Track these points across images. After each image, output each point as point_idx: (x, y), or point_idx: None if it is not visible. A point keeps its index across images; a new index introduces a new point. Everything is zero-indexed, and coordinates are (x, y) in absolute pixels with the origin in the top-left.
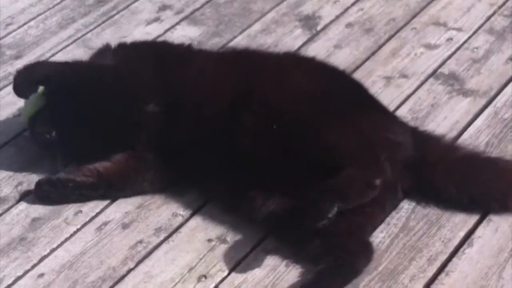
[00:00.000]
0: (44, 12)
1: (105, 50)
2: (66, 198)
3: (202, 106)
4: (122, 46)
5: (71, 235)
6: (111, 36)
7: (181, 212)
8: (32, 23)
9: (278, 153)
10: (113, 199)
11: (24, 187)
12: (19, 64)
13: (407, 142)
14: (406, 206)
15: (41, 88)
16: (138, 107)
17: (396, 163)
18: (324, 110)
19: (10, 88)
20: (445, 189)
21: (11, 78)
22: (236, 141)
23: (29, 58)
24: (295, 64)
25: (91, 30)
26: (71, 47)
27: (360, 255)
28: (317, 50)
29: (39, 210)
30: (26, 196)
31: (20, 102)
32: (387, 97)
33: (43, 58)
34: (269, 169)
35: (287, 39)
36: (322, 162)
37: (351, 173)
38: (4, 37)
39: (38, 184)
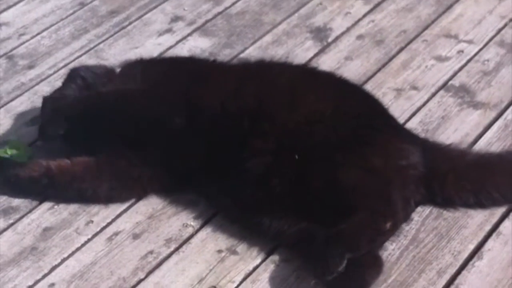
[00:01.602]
0: (57, 23)
1: (136, 65)
2: (11, 187)
3: (215, 121)
4: (151, 62)
5: (82, 245)
6: (123, 47)
7: (192, 223)
8: (45, 33)
9: (286, 178)
10: (125, 209)
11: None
12: (32, 74)
13: (418, 161)
14: (416, 218)
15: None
16: (160, 125)
17: (408, 185)
18: (336, 140)
19: (23, 98)
20: (458, 197)
21: (24, 88)
22: (245, 161)
23: (42, 68)
24: (308, 83)
25: (103, 41)
26: (84, 58)
27: (369, 267)
28: (328, 61)
29: (50, 219)
30: (37, 206)
31: (33, 112)
32: (398, 109)
33: (55, 69)
34: (276, 192)
35: (298, 51)
36: (332, 198)
37: (362, 220)
38: (17, 47)
39: None
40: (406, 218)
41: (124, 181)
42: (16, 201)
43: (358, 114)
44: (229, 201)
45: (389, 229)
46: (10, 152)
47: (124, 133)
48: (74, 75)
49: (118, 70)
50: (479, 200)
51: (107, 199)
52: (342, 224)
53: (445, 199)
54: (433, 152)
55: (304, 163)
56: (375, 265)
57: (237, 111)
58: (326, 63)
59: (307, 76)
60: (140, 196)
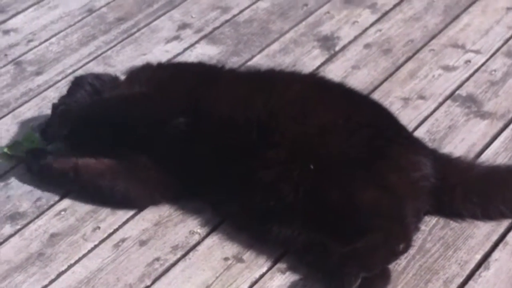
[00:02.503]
0: (65, 29)
1: (143, 70)
2: (41, 176)
3: (223, 128)
4: (159, 68)
5: (89, 252)
6: (131, 53)
7: (198, 230)
8: (53, 39)
9: (299, 189)
10: (132, 216)
11: (43, 202)
12: (40, 80)
13: (429, 173)
14: (422, 227)
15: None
16: (164, 126)
17: (419, 197)
18: (349, 151)
19: (30, 104)
20: (466, 210)
21: (31, 94)
22: (256, 170)
23: (50, 74)
24: (319, 93)
25: (111, 48)
26: (92, 64)
27: (377, 278)
28: (335, 70)
29: (57, 225)
30: (44, 212)
31: (41, 118)
32: (405, 118)
33: (63, 75)
34: (287, 200)
35: (306, 59)
36: (346, 213)
37: (376, 241)
38: (25, 53)
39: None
40: (416, 229)
41: (141, 185)
42: (23, 206)
43: (370, 124)
44: (237, 209)
45: (402, 250)
46: (26, 144)
47: (132, 137)
48: (82, 82)
49: (124, 76)
50: (486, 212)
51: (122, 201)
52: (356, 243)
53: (452, 210)
54: (442, 164)
55: (318, 174)
56: (383, 276)
57: (246, 120)
58: (333, 72)
59: (317, 86)
60: (154, 202)
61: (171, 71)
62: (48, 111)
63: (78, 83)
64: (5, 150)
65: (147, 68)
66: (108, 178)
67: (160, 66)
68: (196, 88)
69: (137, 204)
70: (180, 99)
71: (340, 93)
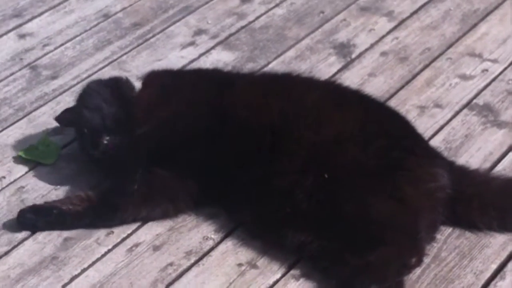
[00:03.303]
0: (80, 34)
1: (162, 77)
2: (51, 226)
3: (239, 136)
4: (178, 75)
5: (102, 256)
6: (146, 59)
7: (212, 236)
8: (68, 44)
9: (314, 197)
10: (144, 222)
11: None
12: (55, 84)
13: (446, 184)
14: (438, 236)
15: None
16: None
17: (435, 209)
18: (366, 161)
19: (45, 108)
20: (482, 223)
21: (46, 98)
22: (270, 177)
23: (65, 79)
24: (335, 100)
25: (126, 53)
26: (107, 69)
27: (391, 286)
28: (351, 78)
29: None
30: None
31: (55, 122)
32: (421, 126)
33: (78, 79)
34: (302, 208)
35: (321, 66)
36: (360, 224)
37: (389, 254)
38: (41, 57)
39: (21, 212)
40: (432, 240)
41: (162, 202)
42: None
43: (387, 134)
44: (251, 215)
45: (414, 264)
46: (40, 147)
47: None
48: (98, 87)
49: (140, 81)
50: (503, 225)
51: (145, 221)
52: (369, 256)
53: (469, 222)
54: (459, 175)
55: (334, 183)
56: (397, 284)
57: (261, 128)
58: (349, 79)
59: (334, 94)
60: (176, 214)
61: (191, 81)
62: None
63: (93, 88)
64: (20, 154)
65: (166, 76)
66: (130, 209)
67: (178, 73)
68: (215, 98)
69: (162, 216)
70: (204, 113)
71: (358, 101)
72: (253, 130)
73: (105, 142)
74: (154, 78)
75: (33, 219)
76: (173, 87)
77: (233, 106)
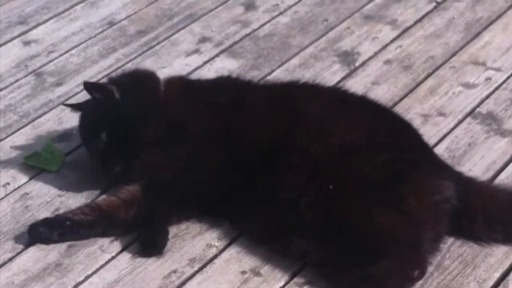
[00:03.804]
0: (85, 41)
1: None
2: (65, 238)
3: (246, 151)
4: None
5: (106, 263)
6: (151, 66)
7: (216, 243)
8: (73, 51)
9: (319, 208)
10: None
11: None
12: (60, 91)
13: (452, 195)
14: (441, 244)
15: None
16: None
17: (440, 221)
18: (371, 173)
19: (50, 115)
20: (486, 237)
21: (51, 105)
22: (275, 190)
23: (70, 86)
24: (342, 110)
25: (131, 60)
26: None
27: None
28: (355, 86)
29: None
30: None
31: (60, 128)
32: (424, 135)
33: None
34: (306, 218)
35: (325, 74)
36: (363, 235)
37: (391, 266)
38: (45, 64)
39: (33, 226)
40: (436, 250)
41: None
42: (42, 217)
43: (393, 145)
44: (256, 222)
45: (416, 277)
46: (44, 154)
47: None
48: (99, 86)
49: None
50: (508, 238)
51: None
52: (371, 268)
53: (473, 235)
54: (466, 187)
55: (338, 195)
56: None
57: (266, 146)
58: (353, 87)
59: (340, 103)
60: (179, 222)
61: (203, 94)
62: (67, 122)
63: (97, 86)
64: (25, 160)
65: (181, 84)
66: (134, 209)
67: (187, 84)
68: (224, 112)
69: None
70: (214, 129)
71: (364, 110)
72: (258, 148)
73: (117, 170)
74: (168, 84)
75: (47, 233)
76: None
77: (238, 126)
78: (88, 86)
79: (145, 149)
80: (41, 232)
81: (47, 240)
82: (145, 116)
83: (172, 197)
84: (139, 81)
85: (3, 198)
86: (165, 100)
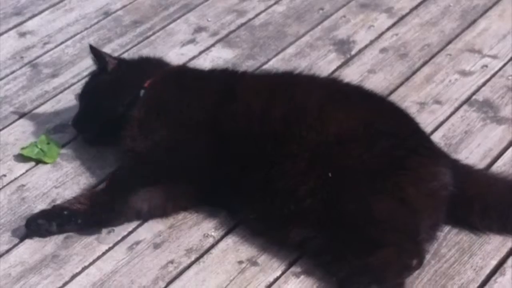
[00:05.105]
0: (81, 32)
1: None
2: (63, 228)
3: (242, 139)
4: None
5: (103, 254)
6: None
7: (213, 233)
8: (69, 42)
9: (317, 196)
10: (144, 220)
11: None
12: (56, 82)
13: (449, 182)
14: (438, 232)
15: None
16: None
17: (438, 208)
18: (369, 162)
19: (46, 106)
20: (482, 225)
21: (47, 96)
22: (273, 179)
23: (66, 77)
24: (339, 99)
25: (127, 50)
26: None
27: (391, 285)
28: (351, 74)
29: None
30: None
31: (56, 120)
32: (421, 123)
33: (79, 77)
34: (305, 206)
35: (321, 63)
36: (362, 224)
37: (388, 255)
38: (41, 55)
39: (31, 219)
40: (433, 239)
41: (162, 197)
42: (38, 208)
43: (390, 133)
44: (254, 211)
45: (415, 266)
46: (40, 146)
47: None
48: (99, 53)
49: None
50: (503, 227)
51: (146, 219)
52: (369, 257)
53: (469, 224)
54: (463, 174)
55: (336, 183)
56: (398, 286)
57: (263, 131)
58: (349, 76)
59: (337, 93)
60: (176, 212)
61: (194, 85)
62: (63, 114)
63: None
64: (21, 152)
65: (177, 74)
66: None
67: (181, 72)
68: (218, 102)
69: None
70: (205, 120)
71: (361, 99)
72: (255, 137)
73: (86, 136)
74: (166, 74)
75: (45, 224)
76: (179, 91)
77: (235, 114)
78: (92, 50)
79: (124, 125)
80: (39, 224)
81: (46, 232)
82: (123, 95)
83: (141, 170)
84: (139, 64)
85: None
86: (151, 84)
